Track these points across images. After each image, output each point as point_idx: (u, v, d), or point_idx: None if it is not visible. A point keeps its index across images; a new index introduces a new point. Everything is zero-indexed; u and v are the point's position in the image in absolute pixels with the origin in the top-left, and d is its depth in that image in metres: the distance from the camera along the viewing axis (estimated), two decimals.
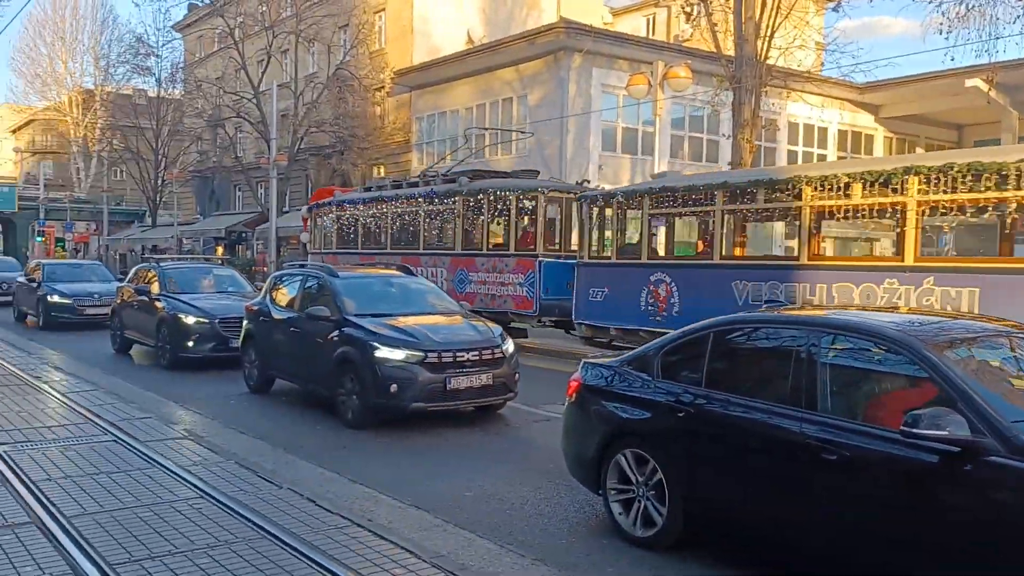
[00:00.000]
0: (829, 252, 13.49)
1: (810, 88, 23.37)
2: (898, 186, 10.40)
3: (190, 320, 13.40)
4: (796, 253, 11.94)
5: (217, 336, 13.27)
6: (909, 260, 10.48)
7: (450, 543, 5.42)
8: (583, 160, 28.52)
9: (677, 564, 5.35)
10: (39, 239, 51.35)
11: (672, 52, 27.55)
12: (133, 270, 17.26)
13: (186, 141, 46.04)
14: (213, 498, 6.13)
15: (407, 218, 18.97)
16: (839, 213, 11.32)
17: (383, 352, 8.92)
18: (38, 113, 63.40)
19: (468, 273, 16.94)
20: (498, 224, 16.84)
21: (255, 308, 11.72)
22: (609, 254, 14.67)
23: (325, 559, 4.97)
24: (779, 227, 13.13)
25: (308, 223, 24.94)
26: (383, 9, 36.09)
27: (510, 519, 6.20)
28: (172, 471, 6.85)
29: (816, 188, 11.33)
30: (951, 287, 10.09)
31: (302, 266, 11.93)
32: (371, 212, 20.17)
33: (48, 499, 6.03)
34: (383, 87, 35.38)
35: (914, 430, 4.07)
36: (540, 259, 15.66)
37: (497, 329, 9.97)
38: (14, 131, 77.03)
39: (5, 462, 7.00)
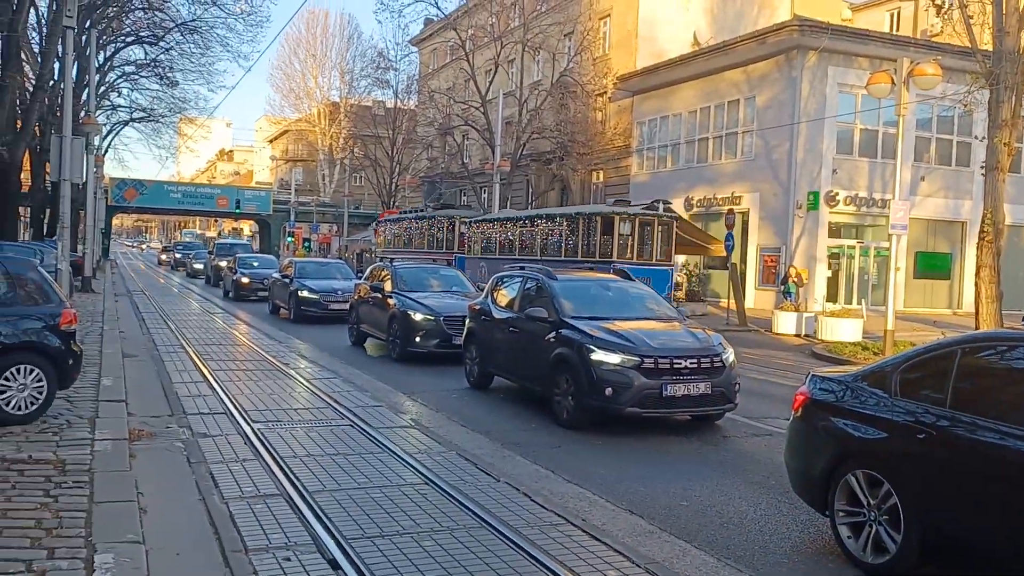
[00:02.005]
0: (518, 253, 25.09)
1: None
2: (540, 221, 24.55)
3: (418, 317, 14.20)
4: (512, 253, 25.15)
5: (442, 333, 13.96)
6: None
7: (664, 551, 5.37)
8: (815, 164, 27.19)
9: None
10: (289, 239, 56.63)
11: (919, 48, 25.62)
12: (369, 269, 18.56)
13: (418, 148, 48.94)
14: (436, 485, 6.48)
15: (411, 231, 33.27)
16: (528, 235, 25.10)
17: (599, 355, 8.99)
18: (291, 124, 70.03)
19: None
20: (442, 236, 30.43)
21: (477, 307, 12.22)
22: (471, 252, 28.20)
23: (541, 553, 5.10)
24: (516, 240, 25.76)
25: (377, 233, 40.57)
26: (608, 15, 36.38)
27: (727, 533, 6.04)
28: (400, 457, 7.32)
29: (508, 223, 26.51)
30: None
31: (522, 268, 12.27)
32: (398, 227, 35.09)
33: (294, 474, 6.64)
34: (605, 92, 35.63)
35: None
36: (455, 255, 28.65)
37: (717, 337, 9.74)
38: (271, 141, 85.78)
39: (259, 439, 7.80)
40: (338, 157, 61.63)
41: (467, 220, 29.65)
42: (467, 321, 12.46)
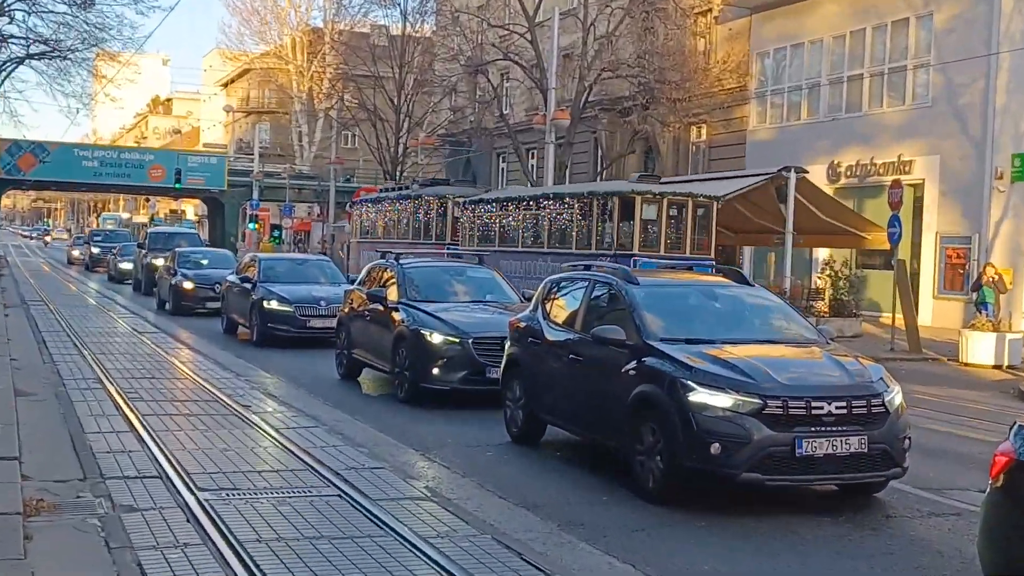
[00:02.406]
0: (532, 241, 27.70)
1: None
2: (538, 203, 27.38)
3: (436, 339, 14.21)
4: (514, 244, 28.04)
5: (470, 362, 13.96)
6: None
7: None
8: (1023, 113, 26.74)
9: None
10: (252, 226, 57.17)
11: None
12: (365, 269, 18.67)
13: (436, 94, 49.05)
14: None
15: (390, 215, 37.09)
16: (532, 221, 27.60)
17: (701, 395, 8.92)
18: (255, 60, 70.70)
19: None
20: (431, 222, 33.36)
21: (522, 325, 12.20)
22: (467, 243, 30.08)
23: None
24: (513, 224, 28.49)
25: (349, 219, 44.00)
26: None
27: None
28: (410, 543, 7.34)
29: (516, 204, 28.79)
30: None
31: (586, 267, 12.23)
32: (375, 210, 39.00)
33: (257, 567, 6.68)
34: (710, 10, 35.52)
35: None
36: (447, 246, 29.81)
37: (876, 369, 9.61)
38: (225, 85, 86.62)
39: (208, 515, 7.87)
40: (321, 108, 62.22)
41: (462, 200, 32.12)
42: (508, 345, 12.48)
